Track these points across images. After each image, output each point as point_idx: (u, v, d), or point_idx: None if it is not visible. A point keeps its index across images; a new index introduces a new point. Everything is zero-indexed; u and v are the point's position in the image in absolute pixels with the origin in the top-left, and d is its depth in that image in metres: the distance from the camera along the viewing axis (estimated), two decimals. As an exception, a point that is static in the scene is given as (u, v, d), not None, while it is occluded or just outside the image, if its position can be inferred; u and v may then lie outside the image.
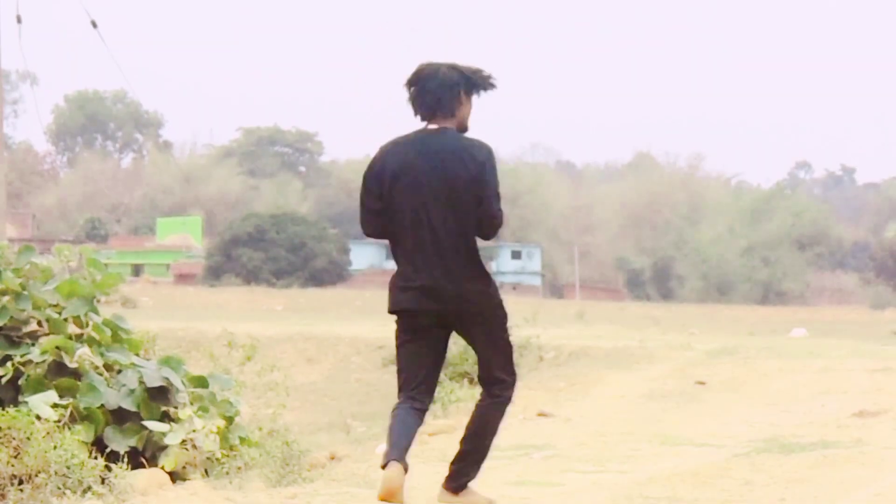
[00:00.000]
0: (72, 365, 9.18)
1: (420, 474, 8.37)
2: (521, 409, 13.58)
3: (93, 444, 8.74)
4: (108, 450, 8.70)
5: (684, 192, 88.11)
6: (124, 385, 9.21)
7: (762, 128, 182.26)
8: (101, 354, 9.44)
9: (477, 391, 6.63)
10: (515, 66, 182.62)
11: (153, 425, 8.97)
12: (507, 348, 6.40)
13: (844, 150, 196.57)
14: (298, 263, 70.12)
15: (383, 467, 6.09)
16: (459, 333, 6.30)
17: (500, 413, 6.45)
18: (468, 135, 6.25)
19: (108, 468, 7.74)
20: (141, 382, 9.21)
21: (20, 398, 8.90)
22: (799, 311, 61.44)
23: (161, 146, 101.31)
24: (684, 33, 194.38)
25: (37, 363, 9.22)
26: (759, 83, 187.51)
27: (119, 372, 9.37)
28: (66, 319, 9.61)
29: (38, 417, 8.19)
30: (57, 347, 9.22)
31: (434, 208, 6.07)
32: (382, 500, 6.04)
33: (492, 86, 6.24)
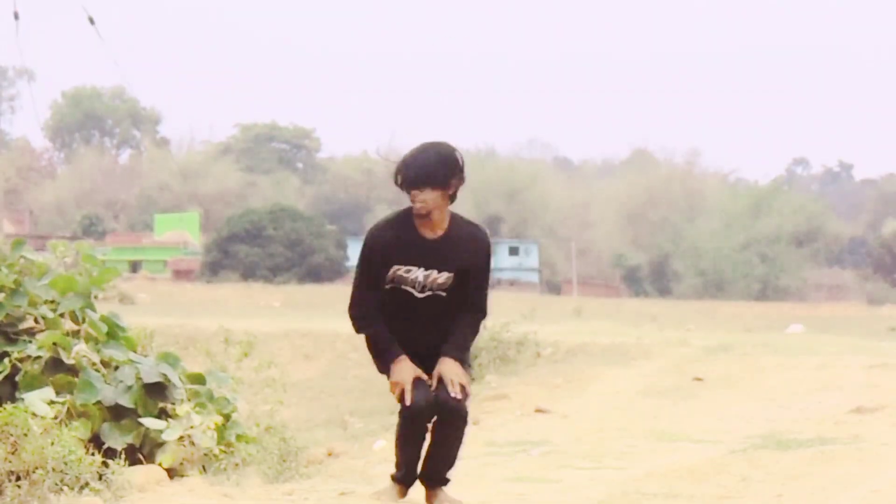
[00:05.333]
0: (69, 361, 9.17)
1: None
2: (518, 405, 13.59)
3: (90, 440, 8.74)
4: (105, 446, 8.69)
5: (681, 189, 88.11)
6: (121, 381, 9.20)
7: (759, 124, 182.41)
8: (98, 351, 9.43)
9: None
10: (513, 63, 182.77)
11: (150, 422, 8.96)
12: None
13: (842, 146, 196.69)
14: (296, 259, 70.11)
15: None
16: None
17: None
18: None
19: (105, 464, 7.74)
20: (138, 379, 9.20)
21: (17, 395, 8.90)
22: (796, 307, 61.47)
23: (158, 142, 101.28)
24: (681, 29, 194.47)
25: (34, 359, 9.21)
26: (757, 79, 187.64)
27: (116, 368, 9.36)
28: (62, 315, 9.60)
29: (35, 414, 8.18)
30: (54, 344, 9.22)
31: None
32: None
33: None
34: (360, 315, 6.29)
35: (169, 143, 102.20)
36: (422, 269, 6.22)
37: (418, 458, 6.45)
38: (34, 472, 7.40)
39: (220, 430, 9.26)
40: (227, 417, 9.57)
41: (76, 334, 9.49)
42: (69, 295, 9.63)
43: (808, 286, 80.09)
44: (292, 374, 20.50)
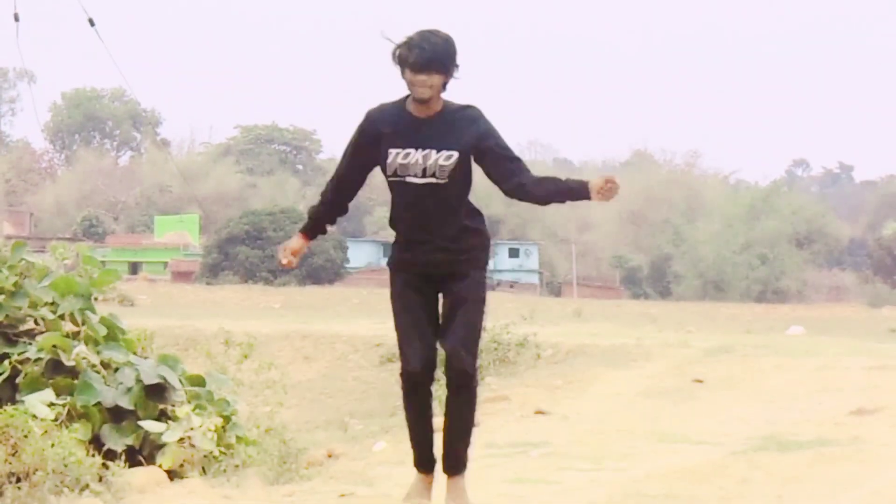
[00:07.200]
0: (69, 363, 9.16)
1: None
2: (518, 406, 13.59)
3: (90, 442, 8.74)
4: (105, 448, 8.69)
5: (681, 190, 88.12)
6: (121, 383, 9.20)
7: (760, 125, 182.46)
8: (98, 352, 9.43)
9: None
10: (513, 63, 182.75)
11: (149, 425, 8.96)
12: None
13: (842, 148, 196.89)
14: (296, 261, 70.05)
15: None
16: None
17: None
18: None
19: (105, 466, 7.74)
20: (138, 381, 9.20)
21: (17, 397, 8.90)
22: (796, 308, 61.45)
23: (159, 144, 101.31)
24: (682, 30, 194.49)
25: (34, 361, 9.21)
26: (757, 80, 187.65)
27: (116, 370, 9.36)
28: (62, 317, 9.59)
29: (35, 416, 8.18)
30: (54, 346, 9.21)
31: None
32: None
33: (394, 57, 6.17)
34: (321, 193, 6.47)
35: (169, 145, 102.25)
36: (419, 150, 6.09)
37: (426, 435, 6.32)
38: (34, 473, 7.41)
39: (220, 432, 9.26)
40: (227, 419, 9.57)
41: (76, 336, 9.49)
42: (69, 297, 9.63)
43: (809, 288, 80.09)
44: (292, 375, 20.49)
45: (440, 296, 6.29)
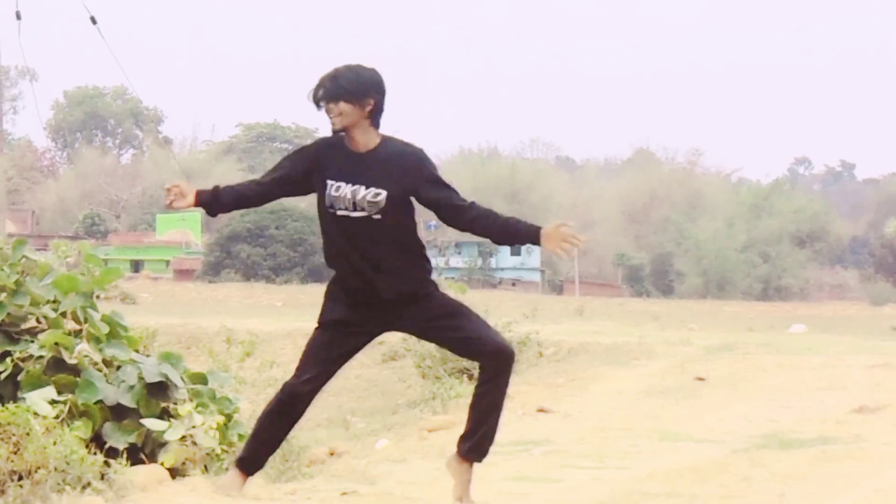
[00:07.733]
0: (71, 361, 9.16)
1: (419, 471, 8.36)
2: (520, 405, 13.58)
3: (92, 440, 8.73)
4: (107, 446, 8.69)
5: (683, 188, 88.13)
6: (123, 381, 9.20)
7: (762, 123, 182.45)
8: (100, 350, 9.43)
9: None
10: (515, 62, 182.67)
11: (152, 423, 8.95)
12: None
13: (844, 146, 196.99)
14: (298, 259, 70.14)
15: None
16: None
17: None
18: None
19: (107, 464, 7.74)
20: (140, 378, 9.20)
21: (19, 394, 8.89)
22: (798, 306, 61.44)
23: (161, 142, 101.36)
24: (684, 28, 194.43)
25: (36, 359, 9.21)
26: (759, 78, 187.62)
27: (118, 368, 9.35)
28: (64, 315, 9.59)
29: (37, 414, 8.18)
30: (56, 343, 9.21)
31: None
32: None
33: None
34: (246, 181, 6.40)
35: (171, 143, 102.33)
36: (349, 184, 6.05)
37: (274, 445, 6.43)
38: (36, 471, 7.41)
39: (223, 430, 9.26)
40: (229, 417, 9.56)
41: (78, 334, 9.49)
42: (71, 295, 9.62)
43: (811, 286, 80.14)
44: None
45: (375, 339, 6.46)
